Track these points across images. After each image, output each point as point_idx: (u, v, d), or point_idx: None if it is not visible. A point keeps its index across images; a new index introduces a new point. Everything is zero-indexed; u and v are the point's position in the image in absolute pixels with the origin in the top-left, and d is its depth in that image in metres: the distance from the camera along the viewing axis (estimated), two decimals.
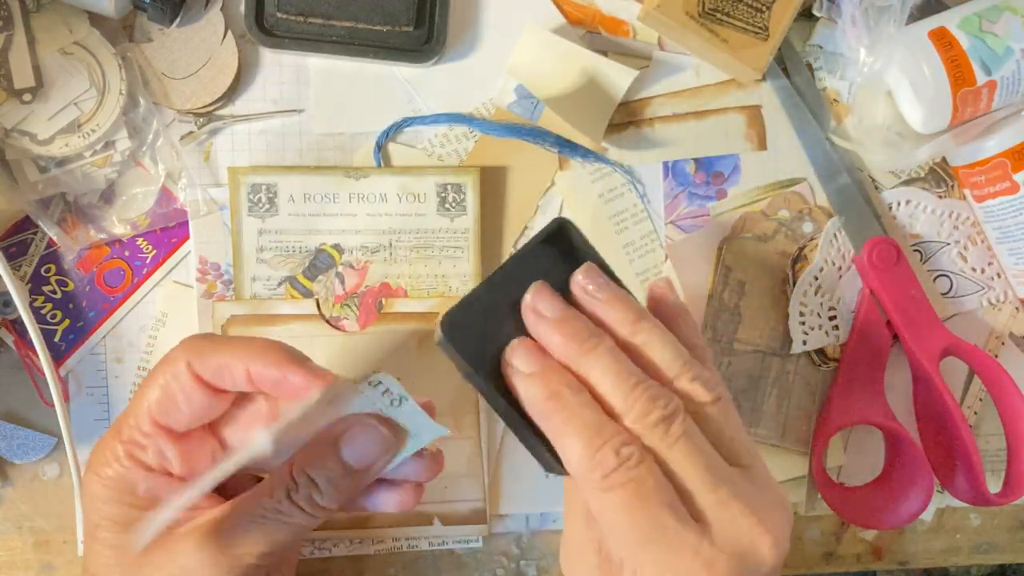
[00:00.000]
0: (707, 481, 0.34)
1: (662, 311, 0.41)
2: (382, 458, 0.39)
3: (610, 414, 0.35)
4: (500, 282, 0.38)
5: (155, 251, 0.53)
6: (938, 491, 0.57)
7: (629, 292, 0.40)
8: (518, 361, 0.37)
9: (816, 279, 0.56)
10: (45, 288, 0.52)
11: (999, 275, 0.57)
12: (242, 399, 0.42)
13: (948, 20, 0.52)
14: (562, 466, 0.36)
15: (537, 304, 0.38)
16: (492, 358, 0.38)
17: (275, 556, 0.39)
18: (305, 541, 0.46)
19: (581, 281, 0.39)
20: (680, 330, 0.39)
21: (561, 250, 0.40)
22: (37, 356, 0.49)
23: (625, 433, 0.35)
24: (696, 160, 0.56)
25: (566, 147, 0.54)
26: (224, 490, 0.42)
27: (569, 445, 0.35)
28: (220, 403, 0.41)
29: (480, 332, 0.38)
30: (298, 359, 0.40)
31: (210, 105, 0.52)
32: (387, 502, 0.42)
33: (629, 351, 0.37)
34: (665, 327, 0.38)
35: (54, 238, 0.51)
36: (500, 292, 0.38)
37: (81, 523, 0.51)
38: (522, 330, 0.38)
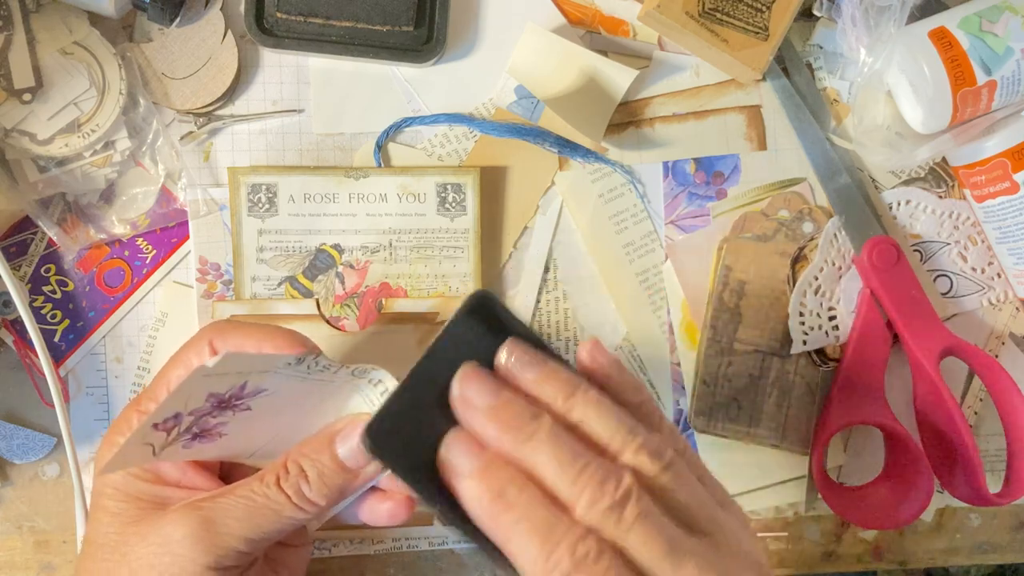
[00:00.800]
0: (670, 562, 0.31)
1: (596, 376, 0.36)
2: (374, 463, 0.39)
3: (560, 505, 0.32)
4: (423, 374, 0.34)
5: (155, 251, 0.53)
6: (938, 491, 0.57)
7: (562, 359, 0.36)
8: (455, 459, 0.33)
9: (816, 279, 0.56)
10: (45, 288, 0.52)
11: (999, 275, 0.57)
12: None
13: (948, 20, 0.52)
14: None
15: (466, 392, 0.34)
16: (429, 461, 0.34)
17: (259, 544, 0.39)
18: (307, 543, 0.46)
19: (505, 361, 0.35)
20: (619, 392, 0.36)
21: (487, 325, 0.35)
22: (37, 356, 0.49)
23: (578, 527, 0.32)
24: (696, 160, 0.56)
25: (566, 147, 0.54)
26: (228, 479, 0.42)
27: (520, 549, 0.32)
28: None
29: (410, 436, 0.34)
30: (305, 343, 0.41)
31: (210, 105, 0.52)
32: (377, 513, 0.41)
33: (571, 429, 0.34)
34: (601, 394, 0.35)
35: (54, 238, 0.51)
36: (425, 386, 0.34)
37: (81, 522, 0.51)
38: (456, 421, 0.35)
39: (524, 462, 0.33)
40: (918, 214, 0.57)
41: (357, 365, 0.40)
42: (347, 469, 0.39)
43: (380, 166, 0.53)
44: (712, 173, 0.56)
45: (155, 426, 0.36)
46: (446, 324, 0.35)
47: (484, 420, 0.33)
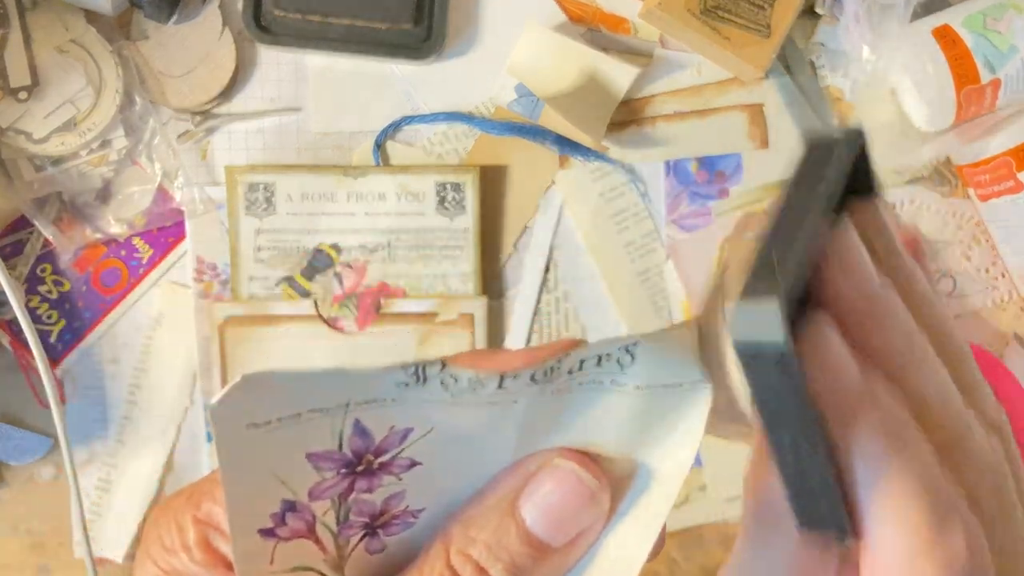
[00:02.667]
0: None
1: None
2: (587, 520, 0.23)
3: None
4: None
5: (152, 251, 0.52)
6: None
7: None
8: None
9: None
10: (41, 288, 0.52)
11: (1003, 275, 0.57)
12: None
13: (952, 18, 0.52)
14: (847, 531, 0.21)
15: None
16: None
17: None
18: None
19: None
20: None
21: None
22: (33, 357, 0.48)
23: (964, 501, 0.21)
24: (698, 159, 0.55)
25: (567, 146, 0.54)
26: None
27: (902, 511, 0.20)
28: None
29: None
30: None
31: (207, 103, 0.52)
32: None
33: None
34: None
35: (50, 238, 0.51)
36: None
37: (77, 523, 0.51)
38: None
39: (909, 387, 0.21)
40: (922, 213, 0.57)
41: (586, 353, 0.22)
42: (549, 549, 0.23)
43: (379, 165, 0.53)
44: (714, 172, 0.55)
45: (262, 533, 0.22)
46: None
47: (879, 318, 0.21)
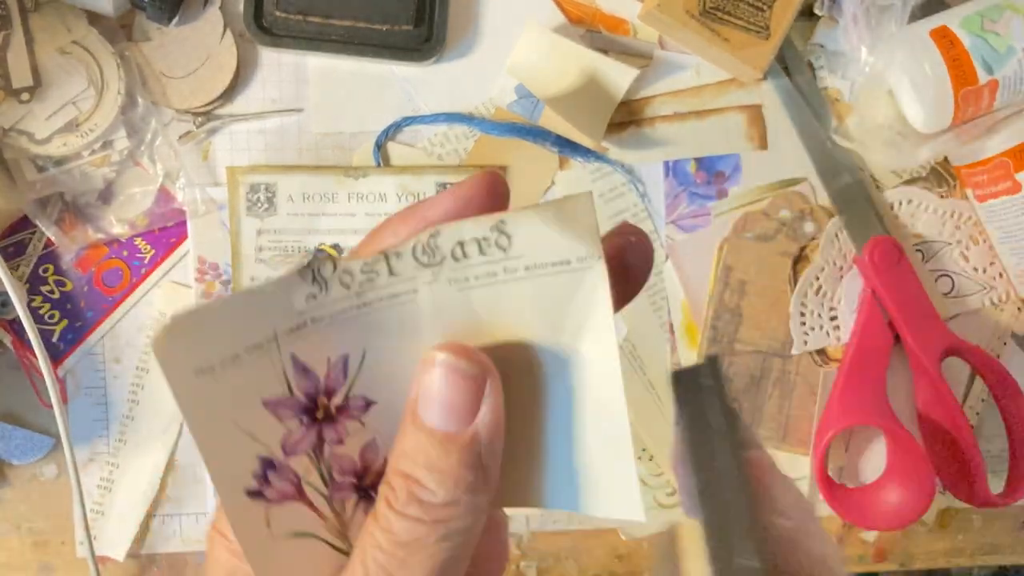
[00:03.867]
0: None
1: None
2: (473, 400, 0.24)
3: None
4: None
5: (153, 251, 0.52)
6: (940, 492, 0.57)
7: None
8: None
9: (817, 279, 0.55)
10: (43, 288, 0.52)
11: (1001, 275, 0.57)
12: None
13: (950, 19, 0.52)
14: None
15: None
16: None
17: None
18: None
19: None
20: None
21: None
22: (35, 356, 0.48)
23: None
24: (697, 160, 0.55)
25: (566, 146, 0.54)
26: None
27: None
28: None
29: None
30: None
31: (209, 104, 0.52)
32: None
33: None
34: None
35: (52, 238, 0.51)
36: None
37: (80, 522, 0.51)
38: None
39: None
40: (920, 214, 0.57)
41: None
42: (455, 435, 0.24)
43: (379, 165, 0.53)
44: (713, 173, 0.55)
45: (249, 494, 0.23)
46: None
47: None
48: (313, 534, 0.24)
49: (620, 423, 0.23)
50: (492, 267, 0.23)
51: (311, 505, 0.24)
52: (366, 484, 0.24)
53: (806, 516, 0.26)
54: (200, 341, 0.21)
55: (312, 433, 0.23)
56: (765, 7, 0.52)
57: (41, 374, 0.49)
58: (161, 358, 0.20)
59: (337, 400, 0.24)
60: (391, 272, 0.23)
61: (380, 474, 0.25)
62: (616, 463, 0.23)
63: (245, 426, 0.22)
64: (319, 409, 0.23)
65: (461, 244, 0.22)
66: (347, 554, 0.24)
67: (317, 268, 0.22)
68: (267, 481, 0.23)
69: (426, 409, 0.24)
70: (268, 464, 0.23)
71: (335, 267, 0.22)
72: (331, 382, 0.23)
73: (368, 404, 0.24)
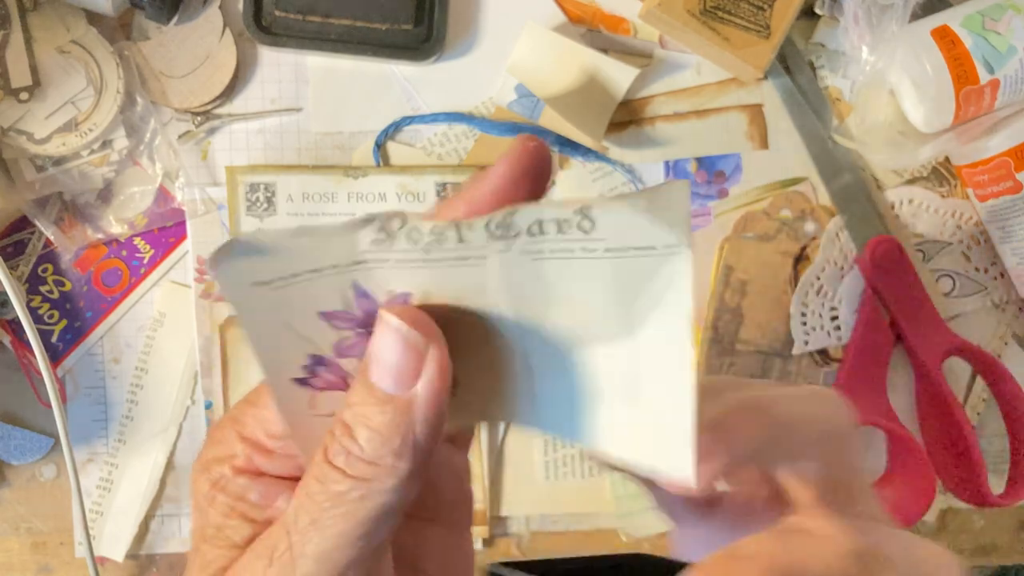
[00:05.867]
0: None
1: None
2: (411, 365, 0.24)
3: None
4: None
5: (153, 251, 0.52)
6: (941, 492, 0.56)
7: None
8: None
9: (818, 279, 0.55)
10: (42, 288, 0.52)
11: (1002, 275, 0.57)
12: None
13: (951, 18, 0.52)
14: None
15: None
16: None
17: (369, 555, 0.25)
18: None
19: None
20: None
21: None
22: (34, 356, 0.48)
23: None
24: (697, 159, 0.55)
25: (567, 146, 0.54)
26: None
27: None
28: None
29: None
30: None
31: (208, 104, 0.52)
32: None
33: None
34: None
35: (51, 238, 0.51)
36: None
37: (79, 523, 0.51)
38: None
39: None
40: (920, 213, 0.57)
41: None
42: (391, 398, 0.24)
43: (379, 165, 0.53)
44: (713, 172, 0.55)
45: (297, 381, 0.24)
46: None
47: None
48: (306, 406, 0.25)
49: (684, 397, 0.23)
50: (569, 244, 0.22)
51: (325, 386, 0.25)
52: None
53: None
54: (259, 260, 0.22)
55: (365, 342, 0.24)
56: (766, 6, 0.52)
57: (40, 374, 0.49)
58: (219, 274, 0.21)
59: None
60: (460, 240, 0.22)
61: None
62: (675, 419, 0.23)
63: (300, 329, 0.23)
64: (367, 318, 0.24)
65: (540, 223, 0.22)
66: None
67: (385, 220, 0.22)
68: (315, 373, 0.24)
69: (372, 366, 0.24)
70: (318, 360, 0.24)
71: (404, 223, 0.22)
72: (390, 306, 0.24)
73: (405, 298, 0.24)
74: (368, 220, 0.22)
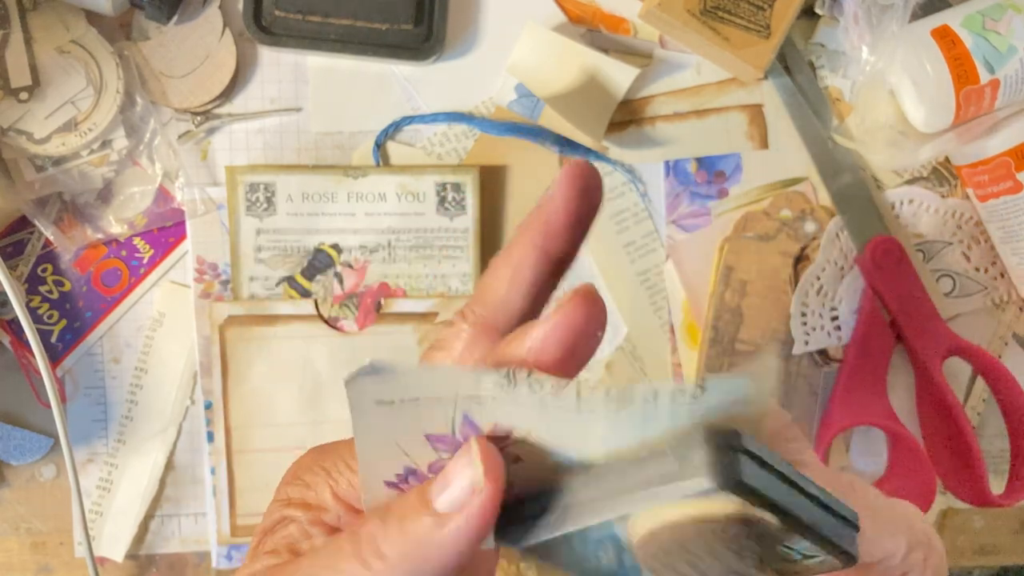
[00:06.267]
0: None
1: None
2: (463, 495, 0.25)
3: None
4: None
5: (152, 251, 0.52)
6: (941, 492, 0.56)
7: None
8: None
9: (818, 279, 0.55)
10: (42, 288, 0.52)
11: (1002, 275, 0.57)
12: None
13: (951, 18, 0.52)
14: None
15: None
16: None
17: None
18: None
19: None
20: None
21: None
22: (34, 356, 0.48)
23: None
24: (697, 159, 0.55)
25: (566, 146, 0.54)
26: None
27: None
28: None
29: None
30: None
31: (208, 104, 0.52)
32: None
33: None
34: None
35: (51, 238, 0.51)
36: None
37: (79, 522, 0.51)
38: None
39: None
40: (921, 214, 0.57)
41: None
42: (444, 522, 0.25)
43: (379, 165, 0.53)
44: (713, 172, 0.55)
45: (387, 484, 0.26)
46: None
47: None
48: None
49: None
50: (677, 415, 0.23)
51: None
52: None
53: None
54: (388, 382, 0.24)
55: (448, 455, 0.26)
56: (766, 6, 0.52)
57: (40, 374, 0.49)
58: (349, 387, 0.24)
59: None
60: (578, 397, 0.23)
61: None
62: None
63: (404, 445, 0.25)
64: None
65: (655, 394, 0.22)
66: None
67: (513, 372, 0.24)
68: (406, 481, 0.26)
69: (439, 486, 0.25)
70: (412, 472, 0.26)
71: (529, 374, 0.24)
72: (491, 437, 0.25)
73: (517, 459, 0.25)
74: (499, 370, 0.24)
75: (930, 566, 0.30)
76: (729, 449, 0.21)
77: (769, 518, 0.22)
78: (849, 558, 0.24)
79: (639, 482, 0.23)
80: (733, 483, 0.21)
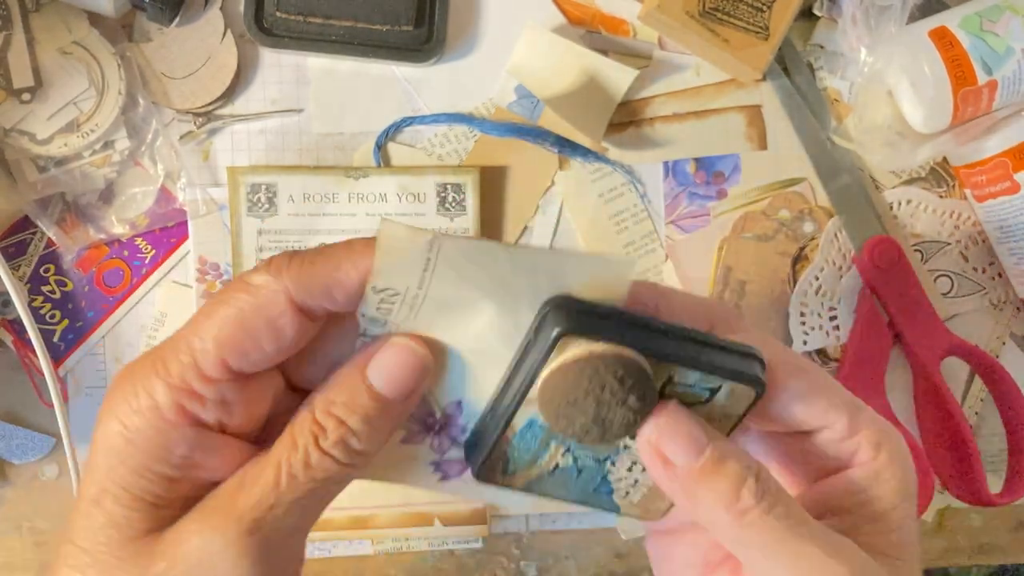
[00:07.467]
0: None
1: None
2: (418, 384, 0.30)
3: None
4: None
5: (154, 251, 0.52)
6: (939, 491, 0.57)
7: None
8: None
9: (817, 279, 0.55)
10: (44, 288, 0.52)
11: (1000, 275, 0.57)
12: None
13: (949, 19, 0.52)
14: None
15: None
16: None
17: (307, 530, 0.31)
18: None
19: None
20: None
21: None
22: (36, 356, 0.48)
23: None
24: (696, 160, 0.55)
25: (566, 147, 0.54)
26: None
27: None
28: (311, 331, 0.30)
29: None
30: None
31: (209, 105, 0.52)
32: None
33: None
34: None
35: (53, 238, 0.51)
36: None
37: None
38: None
39: None
40: (919, 214, 0.57)
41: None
42: (393, 403, 0.30)
43: (380, 166, 0.53)
44: (712, 173, 0.56)
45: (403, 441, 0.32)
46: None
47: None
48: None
49: None
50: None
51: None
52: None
53: None
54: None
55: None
56: (764, 7, 0.52)
57: (42, 374, 0.49)
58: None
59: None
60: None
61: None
62: None
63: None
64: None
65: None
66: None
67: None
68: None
69: (376, 374, 0.29)
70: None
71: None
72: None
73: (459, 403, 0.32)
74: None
75: (885, 451, 0.30)
76: (564, 307, 0.27)
77: (628, 353, 0.27)
78: (752, 382, 0.28)
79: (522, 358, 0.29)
80: (568, 326, 0.27)
